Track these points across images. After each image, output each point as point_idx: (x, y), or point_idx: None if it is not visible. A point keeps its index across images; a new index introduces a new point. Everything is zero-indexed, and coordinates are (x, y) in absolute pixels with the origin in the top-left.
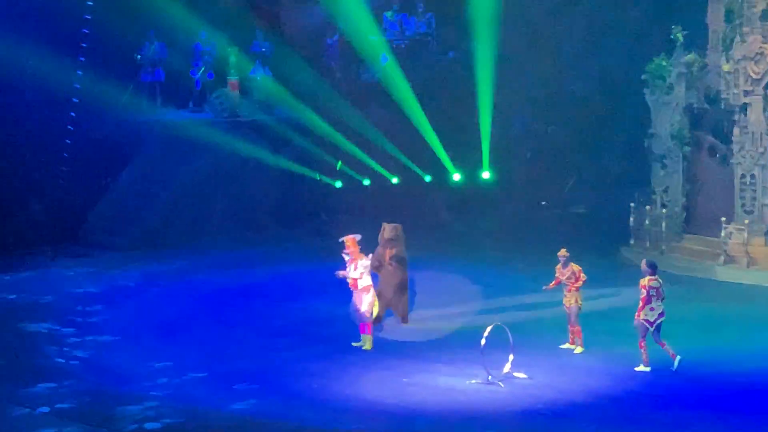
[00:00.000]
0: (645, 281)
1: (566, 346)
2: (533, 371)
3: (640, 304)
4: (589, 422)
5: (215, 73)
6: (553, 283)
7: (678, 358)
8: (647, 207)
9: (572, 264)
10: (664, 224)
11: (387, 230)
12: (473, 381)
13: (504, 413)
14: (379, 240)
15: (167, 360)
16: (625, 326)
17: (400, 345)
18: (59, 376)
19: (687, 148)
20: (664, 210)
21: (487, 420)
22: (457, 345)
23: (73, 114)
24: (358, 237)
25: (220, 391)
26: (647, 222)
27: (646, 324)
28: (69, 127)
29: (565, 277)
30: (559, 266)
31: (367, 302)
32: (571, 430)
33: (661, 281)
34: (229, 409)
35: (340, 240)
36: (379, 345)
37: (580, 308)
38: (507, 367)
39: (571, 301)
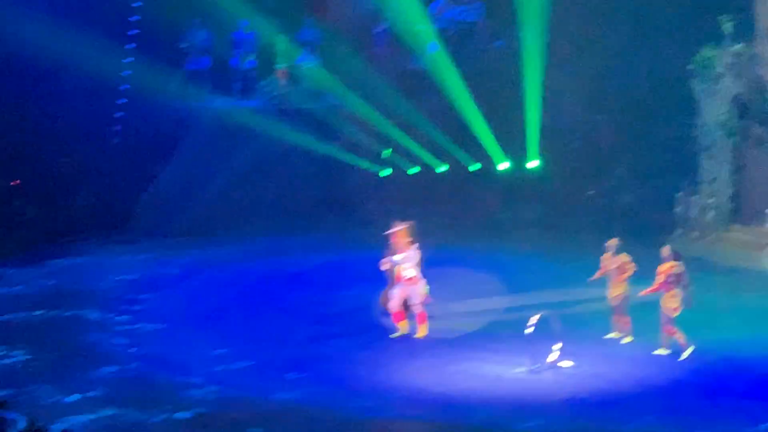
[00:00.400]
0: (666, 267)
1: (611, 335)
2: (579, 360)
3: (654, 287)
4: (635, 412)
5: (264, 61)
6: (599, 273)
7: (691, 348)
8: (694, 197)
9: (623, 254)
10: (711, 214)
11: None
12: (519, 369)
13: (550, 402)
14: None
15: (216, 348)
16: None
17: (447, 333)
18: (110, 362)
19: (734, 138)
20: (710, 200)
21: (533, 408)
22: (504, 333)
23: (122, 101)
24: (407, 226)
25: (268, 380)
26: (694, 212)
27: (670, 311)
28: (118, 114)
29: (614, 266)
30: (608, 255)
31: (418, 293)
32: (618, 420)
33: (683, 268)
34: (277, 397)
35: (391, 230)
36: (427, 332)
37: (628, 299)
38: (553, 356)
39: (617, 291)
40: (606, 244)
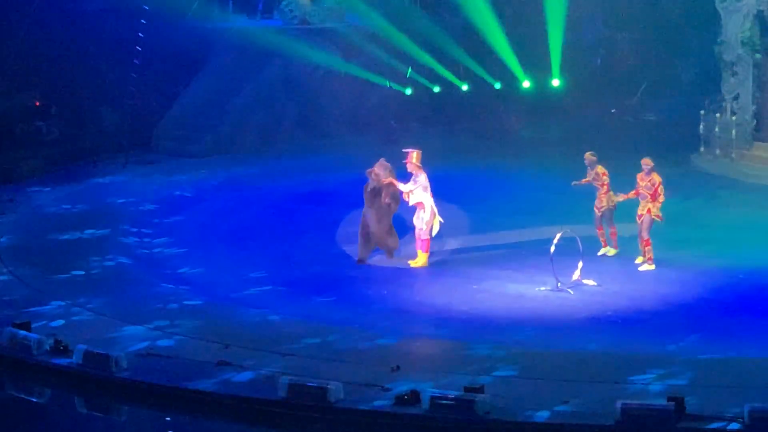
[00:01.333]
0: (655, 178)
1: (640, 260)
2: (603, 278)
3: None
4: (658, 329)
5: None
6: (633, 192)
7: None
8: (717, 114)
9: (654, 174)
10: (734, 132)
11: (385, 169)
12: (543, 288)
13: (574, 320)
14: (377, 174)
15: (244, 269)
16: (695, 233)
17: (469, 252)
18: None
19: (758, 56)
20: (734, 117)
21: (557, 326)
22: (527, 252)
23: (143, 21)
24: (419, 151)
25: (297, 298)
26: (717, 129)
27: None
28: (140, 34)
29: (643, 185)
30: (641, 174)
31: (422, 219)
32: (641, 337)
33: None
34: (304, 316)
35: (404, 150)
36: (449, 253)
37: (653, 220)
38: (576, 275)
39: (643, 210)
40: (642, 162)
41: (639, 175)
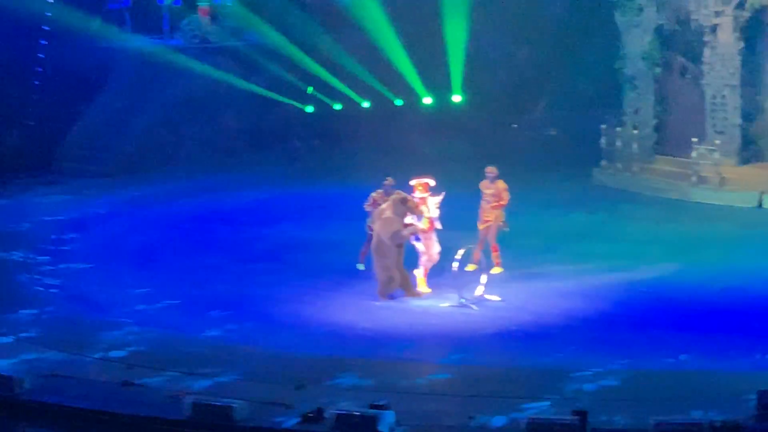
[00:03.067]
0: (500, 185)
1: (495, 270)
2: (506, 293)
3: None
4: (563, 344)
5: None
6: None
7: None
8: (618, 128)
9: (499, 181)
10: (635, 145)
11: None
12: (446, 304)
13: (478, 336)
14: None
15: (142, 287)
16: (598, 247)
17: (372, 270)
18: (35, 303)
19: (658, 70)
20: (635, 131)
21: (461, 342)
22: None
23: (44, 42)
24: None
25: (195, 318)
26: (619, 143)
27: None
28: (40, 55)
29: (489, 192)
30: (485, 182)
31: (437, 243)
32: (545, 352)
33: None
34: (203, 335)
35: (411, 183)
36: (352, 270)
37: (500, 228)
38: (480, 290)
39: (490, 218)
40: (485, 171)
41: (483, 183)
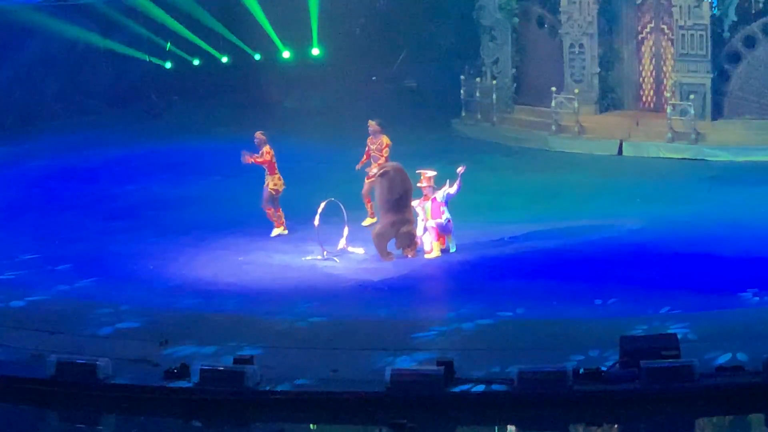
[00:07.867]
0: (383, 140)
1: (368, 221)
2: (369, 246)
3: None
4: (425, 295)
5: None
6: (364, 158)
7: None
8: (477, 79)
9: (383, 136)
10: (494, 96)
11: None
12: (309, 257)
13: (341, 288)
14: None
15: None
16: (459, 199)
17: (235, 224)
18: None
19: (515, 20)
20: (494, 82)
21: (323, 295)
22: (292, 222)
23: None
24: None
25: (52, 274)
26: (478, 94)
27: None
28: None
29: (374, 147)
30: (370, 138)
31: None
32: (407, 303)
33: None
34: (60, 290)
35: (417, 172)
36: (215, 224)
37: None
38: (342, 243)
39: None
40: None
41: (369, 139)
